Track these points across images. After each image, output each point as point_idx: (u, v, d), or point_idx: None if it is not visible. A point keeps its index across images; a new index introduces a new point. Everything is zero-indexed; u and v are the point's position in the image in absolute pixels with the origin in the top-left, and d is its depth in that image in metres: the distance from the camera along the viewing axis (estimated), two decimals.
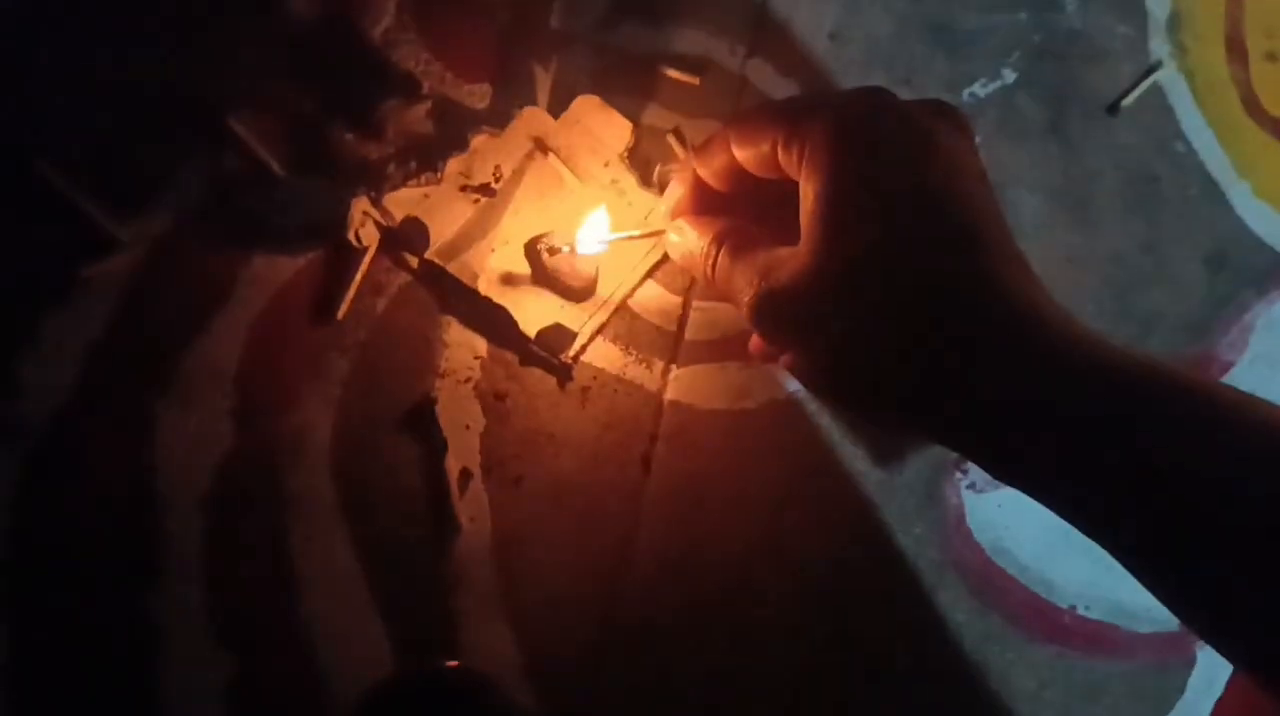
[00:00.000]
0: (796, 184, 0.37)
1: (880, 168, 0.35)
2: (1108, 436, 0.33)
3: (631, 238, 0.49)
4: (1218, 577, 0.32)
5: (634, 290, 0.53)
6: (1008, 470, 0.36)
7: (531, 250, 0.51)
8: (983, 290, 0.34)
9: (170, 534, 0.47)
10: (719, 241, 0.41)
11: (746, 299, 0.38)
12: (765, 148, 0.38)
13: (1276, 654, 0.33)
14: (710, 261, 0.41)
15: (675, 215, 0.44)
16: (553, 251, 0.50)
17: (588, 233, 0.49)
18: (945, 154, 0.36)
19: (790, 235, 0.37)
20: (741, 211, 0.43)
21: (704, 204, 0.44)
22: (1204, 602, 0.34)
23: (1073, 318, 0.35)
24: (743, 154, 0.40)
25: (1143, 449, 0.32)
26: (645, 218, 0.52)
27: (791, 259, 0.37)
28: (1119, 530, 0.34)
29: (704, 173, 0.43)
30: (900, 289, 0.35)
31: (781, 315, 0.38)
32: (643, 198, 0.52)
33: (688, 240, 0.43)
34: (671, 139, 0.55)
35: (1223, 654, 0.35)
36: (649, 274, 0.53)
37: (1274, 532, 0.30)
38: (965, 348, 0.34)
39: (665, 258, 0.52)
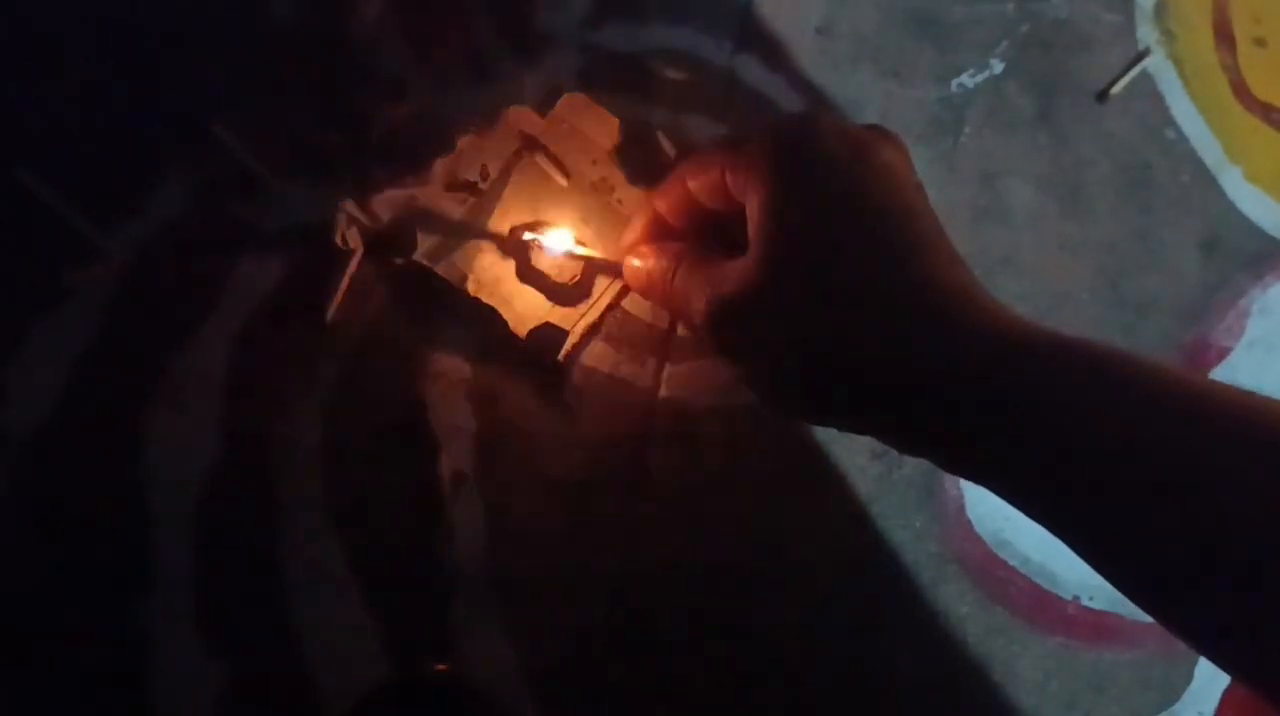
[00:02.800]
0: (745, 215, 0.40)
1: (815, 178, 0.38)
2: (1038, 414, 0.34)
3: (593, 258, 0.50)
4: (1121, 530, 0.33)
5: (625, 291, 0.52)
6: (957, 463, 0.37)
7: (518, 247, 0.50)
8: (915, 288, 0.36)
9: (160, 543, 0.46)
10: (677, 259, 0.43)
11: (699, 307, 0.40)
12: (715, 175, 0.41)
13: (1185, 603, 0.33)
14: (669, 278, 0.43)
15: (635, 244, 0.47)
16: (517, 232, 0.50)
17: (555, 239, 0.50)
18: (879, 165, 0.38)
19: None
20: (699, 242, 0.45)
21: (662, 237, 0.46)
22: (1116, 558, 0.35)
23: (1008, 309, 0.36)
24: (696, 184, 0.42)
25: (1059, 424, 0.33)
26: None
27: (737, 270, 0.39)
28: (1043, 503, 0.35)
29: (661, 207, 0.45)
30: (834, 291, 0.36)
31: (728, 324, 0.40)
32: (632, 195, 0.52)
33: (648, 263, 0.45)
34: (661, 136, 0.54)
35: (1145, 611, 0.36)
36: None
37: (1161, 487, 0.32)
38: (899, 344, 0.36)
39: None
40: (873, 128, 0.41)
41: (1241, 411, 0.32)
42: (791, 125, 0.40)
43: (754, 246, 0.38)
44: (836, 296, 0.36)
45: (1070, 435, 0.33)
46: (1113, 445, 0.32)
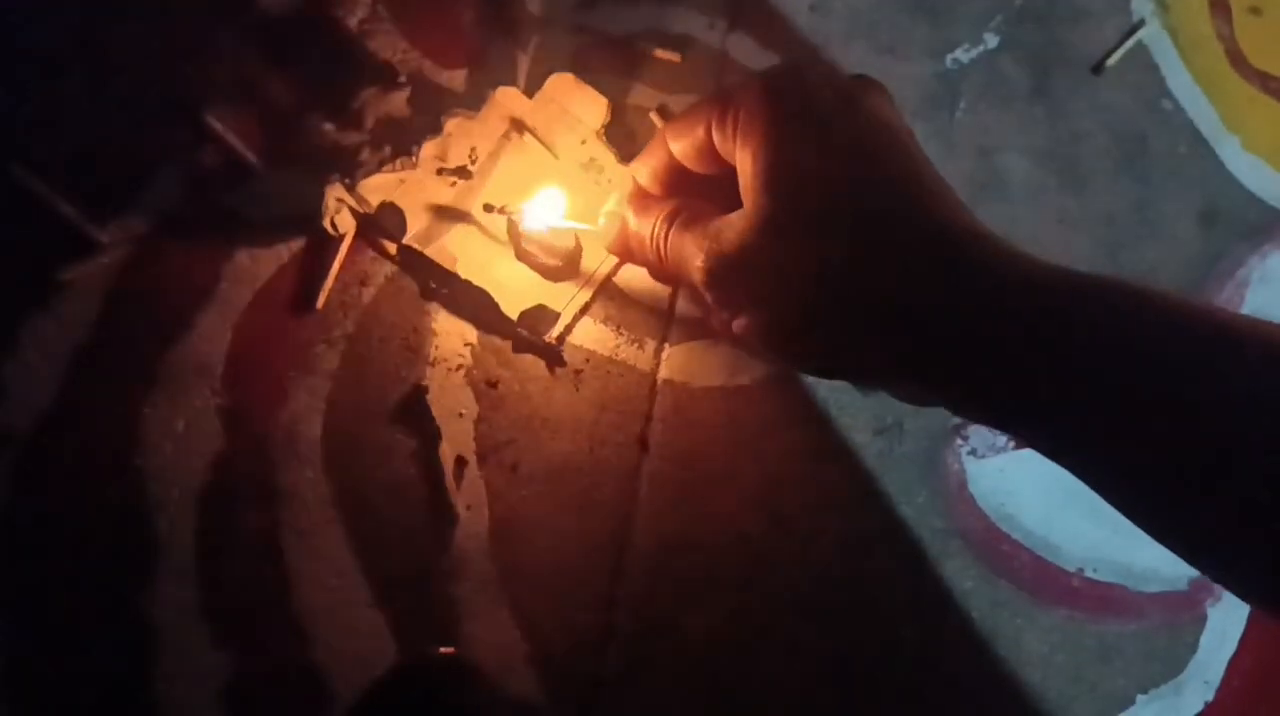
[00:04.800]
0: (733, 175, 0.39)
1: (810, 127, 0.37)
2: (1044, 345, 0.33)
3: (575, 228, 0.49)
4: (1149, 467, 0.33)
5: (616, 269, 0.52)
6: (972, 403, 0.37)
7: (510, 229, 0.50)
8: (927, 227, 0.36)
9: (163, 534, 0.46)
10: (670, 219, 0.42)
11: (698, 263, 0.39)
12: (700, 134, 0.40)
13: (1214, 545, 0.33)
14: (662, 237, 0.42)
15: (617, 214, 0.46)
16: (491, 209, 0.50)
17: (538, 209, 0.49)
18: (869, 109, 0.38)
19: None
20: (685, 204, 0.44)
21: (646, 206, 0.45)
22: (1143, 501, 0.34)
23: (1006, 242, 0.36)
24: (679, 147, 0.42)
25: (1068, 353, 0.33)
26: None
27: (738, 220, 0.38)
28: (1062, 436, 0.35)
29: (643, 177, 0.44)
30: (837, 231, 0.36)
31: (731, 276, 0.39)
32: (621, 174, 0.52)
33: (636, 224, 0.44)
34: (654, 117, 0.54)
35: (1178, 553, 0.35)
36: None
37: (1185, 409, 0.31)
38: (917, 282, 0.35)
39: None
40: (858, 77, 0.40)
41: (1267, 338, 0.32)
42: (780, 76, 0.39)
43: (751, 198, 0.38)
44: (847, 239, 0.36)
45: (1091, 366, 0.33)
46: (1133, 374, 0.32)
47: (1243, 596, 0.37)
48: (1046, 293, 0.34)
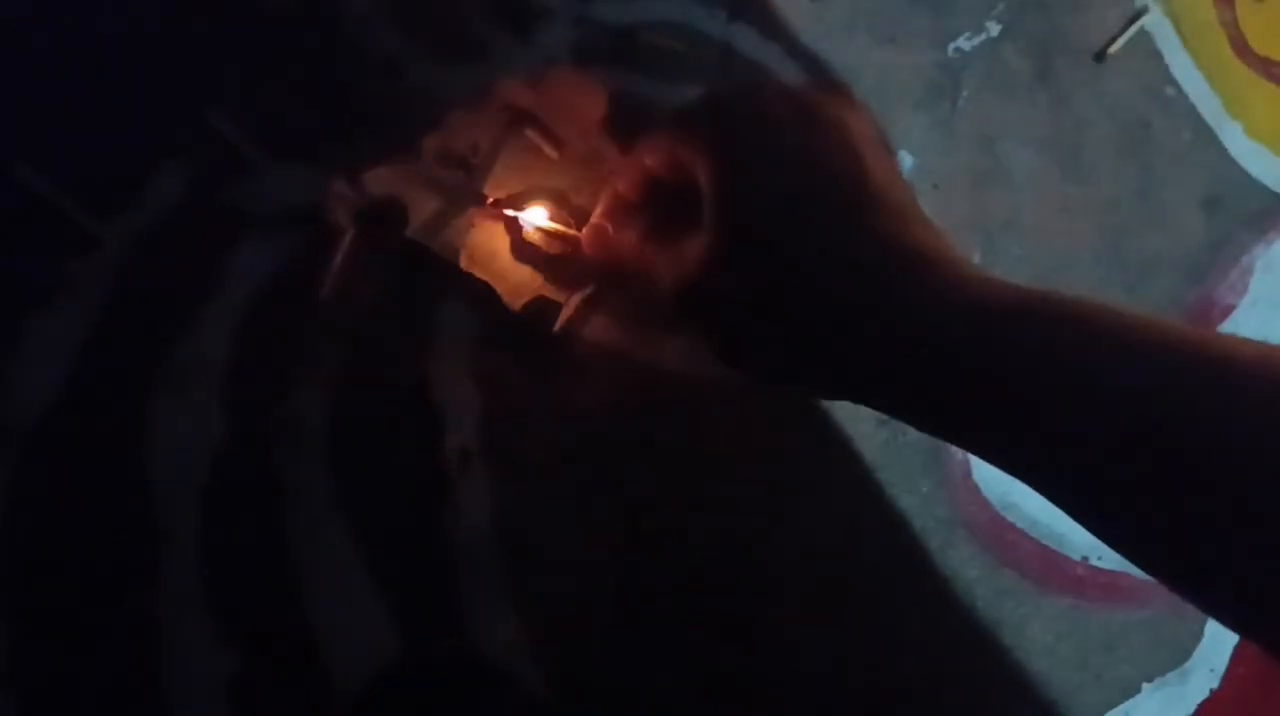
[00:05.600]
0: None
1: (759, 146, 0.38)
2: (998, 365, 0.33)
3: (560, 231, 0.49)
4: (1094, 484, 0.33)
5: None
6: (922, 418, 0.37)
7: (511, 220, 0.50)
8: (870, 249, 0.36)
9: (168, 530, 0.46)
10: (642, 235, 0.43)
11: (668, 286, 0.40)
12: (666, 150, 0.41)
13: (1167, 554, 0.34)
14: (636, 252, 0.43)
15: (599, 223, 0.46)
16: (500, 205, 0.50)
17: (539, 210, 0.50)
18: (827, 124, 0.38)
19: None
20: (664, 215, 0.44)
21: (627, 213, 0.46)
22: (1089, 509, 0.35)
23: (958, 261, 0.36)
24: (651, 160, 0.42)
25: (1003, 380, 0.33)
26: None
27: (695, 248, 0.39)
28: (1013, 453, 0.36)
29: (622, 186, 0.45)
30: (788, 258, 0.36)
31: (693, 303, 0.40)
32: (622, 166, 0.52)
33: (615, 237, 0.45)
34: (656, 108, 0.54)
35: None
36: None
37: (1130, 439, 0.31)
38: (856, 309, 0.35)
39: None
40: (824, 85, 0.40)
41: (1206, 351, 0.32)
42: (730, 94, 0.40)
43: (707, 221, 0.38)
44: (792, 263, 0.36)
45: (1030, 394, 0.33)
46: (1076, 402, 0.32)
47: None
48: (986, 316, 0.34)
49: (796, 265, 0.36)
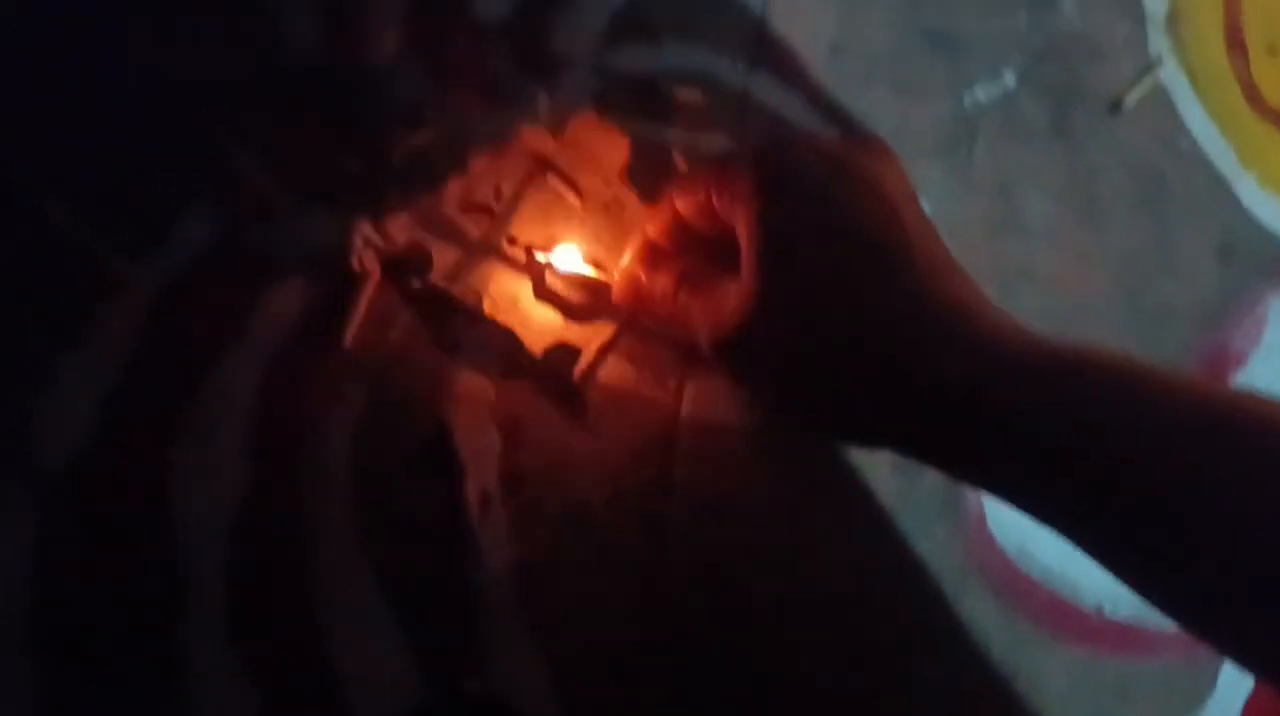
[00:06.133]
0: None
1: (798, 201, 0.38)
2: (1035, 422, 0.34)
3: (593, 278, 0.50)
4: (1128, 540, 0.35)
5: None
6: (963, 471, 0.38)
7: (533, 266, 0.51)
8: (907, 305, 0.37)
9: (193, 571, 0.47)
10: (677, 283, 0.43)
11: (704, 334, 0.41)
12: (702, 198, 0.41)
13: (1192, 604, 0.35)
14: (669, 301, 0.43)
15: (632, 269, 0.47)
16: (528, 251, 0.51)
17: (559, 255, 0.50)
18: (863, 181, 0.39)
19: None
20: (698, 261, 0.45)
21: (660, 260, 0.46)
22: (1129, 564, 0.36)
23: (996, 313, 0.37)
24: (685, 208, 0.43)
25: (1056, 432, 0.34)
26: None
27: (734, 297, 0.39)
28: (1050, 506, 0.37)
29: (654, 233, 0.45)
30: (828, 312, 0.37)
31: (732, 353, 0.40)
32: (643, 214, 0.52)
33: (648, 283, 0.45)
34: (676, 155, 0.55)
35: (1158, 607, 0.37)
36: None
37: (1160, 500, 0.32)
38: (895, 363, 0.36)
39: None
40: (859, 140, 0.41)
41: (1238, 413, 0.33)
42: (771, 149, 0.40)
43: (746, 273, 0.39)
44: (831, 317, 0.37)
45: (1065, 450, 0.34)
46: (1114, 458, 0.33)
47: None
48: (1027, 372, 0.35)
49: (835, 318, 0.37)
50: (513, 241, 0.51)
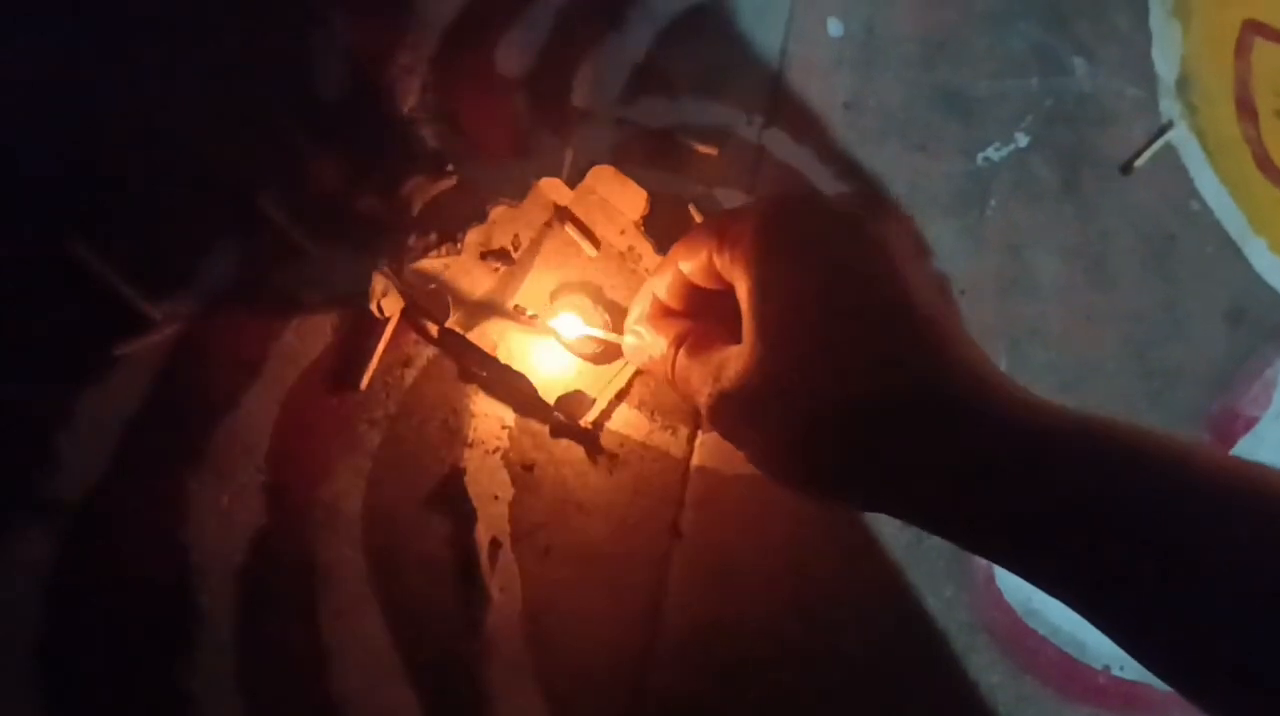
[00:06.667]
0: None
1: (800, 262, 0.37)
2: (1045, 489, 0.33)
3: (600, 337, 0.50)
4: (1142, 616, 0.33)
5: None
6: (973, 540, 0.37)
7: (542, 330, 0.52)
8: (911, 373, 0.35)
9: (204, 606, 0.47)
10: (677, 343, 0.42)
11: (702, 400, 0.39)
12: (705, 256, 0.40)
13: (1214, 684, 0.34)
14: (670, 362, 0.42)
15: (638, 325, 0.46)
16: (521, 312, 0.52)
17: (564, 322, 0.51)
18: (869, 242, 0.37)
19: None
20: (701, 319, 0.44)
21: (664, 317, 0.45)
22: (1142, 635, 0.35)
23: (999, 377, 0.36)
24: (688, 267, 0.42)
25: (1069, 500, 0.33)
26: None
27: (736, 358, 0.38)
28: (1061, 581, 0.35)
29: (658, 290, 0.44)
30: (829, 377, 0.36)
31: (730, 413, 0.39)
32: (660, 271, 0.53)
33: (650, 343, 0.44)
34: (692, 209, 0.56)
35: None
36: None
37: (1187, 574, 0.31)
38: (896, 426, 0.35)
39: None
40: (870, 198, 0.40)
41: (1253, 484, 0.33)
42: (774, 206, 0.39)
43: (747, 334, 0.37)
44: (832, 384, 0.36)
45: (1077, 524, 0.33)
46: (1128, 533, 0.32)
47: None
48: (1029, 437, 0.34)
49: (833, 386, 0.36)
50: (529, 288, 0.52)
